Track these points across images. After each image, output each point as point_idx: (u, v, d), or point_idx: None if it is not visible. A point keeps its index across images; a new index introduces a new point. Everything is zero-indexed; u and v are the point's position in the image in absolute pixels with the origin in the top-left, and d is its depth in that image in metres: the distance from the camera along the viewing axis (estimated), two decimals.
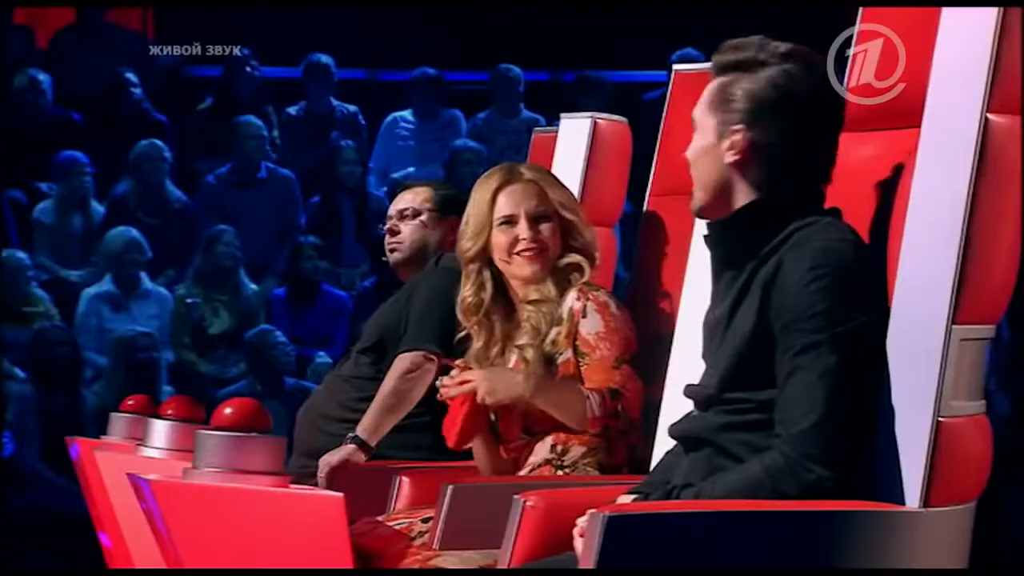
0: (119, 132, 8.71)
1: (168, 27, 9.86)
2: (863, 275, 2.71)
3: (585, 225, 3.82)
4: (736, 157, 2.78)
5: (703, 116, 2.83)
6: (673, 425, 2.93)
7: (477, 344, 3.81)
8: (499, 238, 3.77)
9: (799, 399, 2.66)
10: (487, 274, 3.80)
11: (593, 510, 2.53)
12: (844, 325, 2.66)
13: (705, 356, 2.88)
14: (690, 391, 2.88)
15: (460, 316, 3.83)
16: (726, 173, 2.79)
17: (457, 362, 3.80)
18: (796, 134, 2.77)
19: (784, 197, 2.78)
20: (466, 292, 3.81)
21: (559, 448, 3.67)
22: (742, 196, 2.80)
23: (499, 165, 3.91)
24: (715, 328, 2.83)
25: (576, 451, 3.66)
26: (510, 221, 3.77)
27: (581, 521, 2.73)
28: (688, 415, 2.90)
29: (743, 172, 2.79)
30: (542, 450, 3.69)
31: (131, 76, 9.02)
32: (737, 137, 2.77)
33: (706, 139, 2.82)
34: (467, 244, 3.80)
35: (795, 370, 2.67)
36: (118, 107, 9.00)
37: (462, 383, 3.61)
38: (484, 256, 3.80)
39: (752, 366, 2.73)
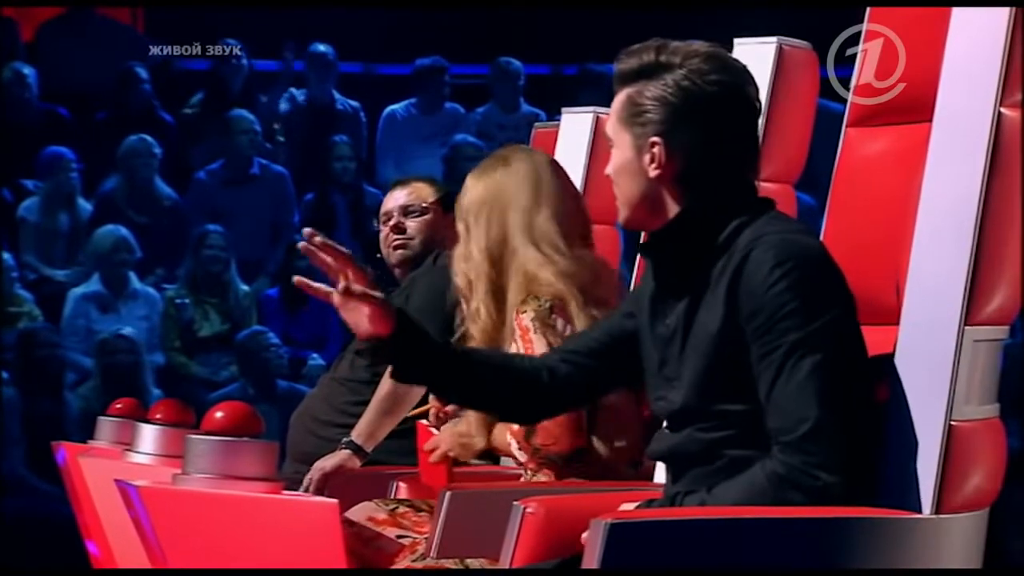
0: (122, 127, 8.63)
1: (159, 21, 9.81)
2: (827, 264, 2.64)
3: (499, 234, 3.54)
4: (659, 171, 2.70)
5: (616, 131, 2.75)
6: (650, 448, 2.84)
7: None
8: None
9: (791, 404, 2.57)
10: None
11: (595, 518, 2.48)
12: (820, 319, 2.58)
13: (660, 372, 2.77)
14: (658, 408, 2.79)
15: None
16: (652, 187, 2.72)
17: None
18: (714, 133, 2.69)
19: (718, 196, 2.70)
20: None
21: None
22: (673, 206, 2.72)
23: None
24: (670, 340, 2.73)
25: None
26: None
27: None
28: (661, 434, 2.81)
29: (669, 183, 2.71)
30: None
31: (141, 71, 8.95)
32: (656, 150, 2.70)
33: (624, 155, 2.74)
34: None
35: (780, 374, 2.58)
36: (126, 101, 8.92)
37: (434, 450, 3.61)
38: None
39: (723, 373, 2.64)
